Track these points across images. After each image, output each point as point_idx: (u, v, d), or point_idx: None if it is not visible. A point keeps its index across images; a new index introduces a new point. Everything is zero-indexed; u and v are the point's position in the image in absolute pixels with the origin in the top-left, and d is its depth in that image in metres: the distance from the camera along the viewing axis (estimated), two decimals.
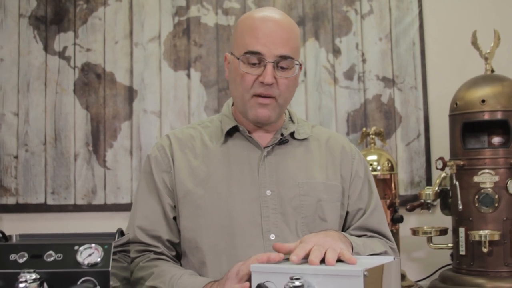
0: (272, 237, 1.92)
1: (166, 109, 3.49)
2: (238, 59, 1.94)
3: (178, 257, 2.03)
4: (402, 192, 3.37)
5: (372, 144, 3.25)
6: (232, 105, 2.11)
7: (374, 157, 3.18)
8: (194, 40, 3.51)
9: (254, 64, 1.92)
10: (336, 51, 3.48)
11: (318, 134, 2.13)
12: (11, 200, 3.52)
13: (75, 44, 3.55)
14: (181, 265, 2.00)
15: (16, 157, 3.52)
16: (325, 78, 3.46)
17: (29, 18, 3.57)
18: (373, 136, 3.27)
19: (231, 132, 2.05)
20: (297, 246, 1.55)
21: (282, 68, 1.93)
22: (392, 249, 2.05)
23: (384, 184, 3.17)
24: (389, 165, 3.17)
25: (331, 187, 2.02)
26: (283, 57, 1.91)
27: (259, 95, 1.93)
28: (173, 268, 1.92)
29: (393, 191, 3.17)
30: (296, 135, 2.06)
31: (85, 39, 3.55)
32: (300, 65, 1.99)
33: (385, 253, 1.96)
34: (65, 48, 3.55)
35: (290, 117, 2.12)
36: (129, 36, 3.54)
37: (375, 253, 1.89)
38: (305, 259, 1.52)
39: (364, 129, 3.33)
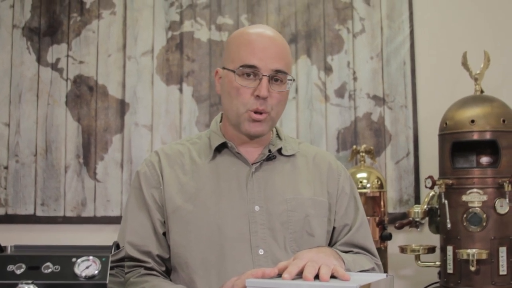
0: (261, 252, 1.93)
1: (158, 122, 3.50)
2: (233, 72, 1.96)
3: (168, 273, 2.03)
4: (391, 209, 3.39)
5: (362, 162, 3.27)
6: (221, 121, 2.13)
7: (364, 174, 3.20)
8: (187, 54, 3.53)
9: (249, 76, 1.95)
10: (328, 69, 3.50)
11: (305, 150, 2.15)
12: (0, 211, 3.51)
13: (68, 56, 3.56)
14: (171, 281, 2.01)
15: (6, 167, 3.52)
16: (316, 95, 3.49)
17: (23, 29, 3.58)
18: (363, 154, 3.29)
19: (220, 148, 2.06)
20: (290, 263, 1.55)
21: (276, 82, 1.96)
22: (378, 265, 2.07)
23: (373, 201, 3.19)
24: (379, 183, 3.19)
25: (318, 203, 2.04)
26: (278, 71, 1.94)
27: (253, 111, 1.95)
28: (164, 283, 1.93)
29: (382, 209, 3.19)
30: (283, 151, 2.08)
31: (78, 52, 3.56)
32: (294, 80, 2.02)
33: (372, 270, 1.98)
34: (58, 60, 3.56)
35: (278, 134, 2.15)
36: (122, 50, 3.55)
37: (364, 270, 1.91)
38: (299, 275, 1.53)
39: (354, 146, 3.35)
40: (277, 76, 1.95)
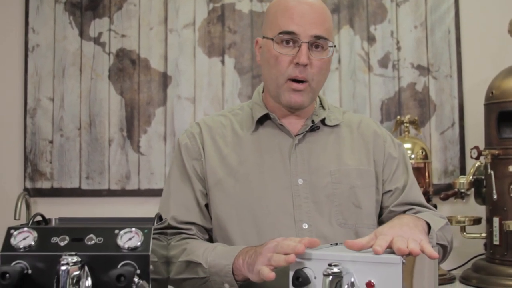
0: (305, 226, 1.92)
1: (200, 95, 3.50)
2: (272, 40, 1.93)
3: (211, 242, 2.04)
4: (435, 181, 3.36)
5: (406, 133, 3.24)
6: (263, 91, 2.11)
7: (408, 145, 3.16)
8: (228, 26, 3.51)
9: (288, 44, 1.92)
10: (371, 39, 3.46)
11: (349, 120, 2.12)
12: (46, 185, 3.55)
13: (110, 30, 3.57)
14: None
15: (51, 141, 3.56)
16: (360, 66, 3.45)
17: (65, 4, 3.60)
18: (407, 125, 3.26)
19: (262, 120, 2.04)
20: (372, 239, 1.50)
21: (316, 49, 1.92)
22: (443, 218, 2.03)
23: (418, 172, 3.15)
24: (423, 153, 3.16)
25: (365, 173, 2.02)
26: (318, 37, 1.91)
27: (293, 79, 1.92)
28: (204, 243, 1.93)
29: (427, 180, 3.15)
30: (327, 122, 2.06)
31: (120, 25, 3.57)
32: (334, 47, 1.98)
33: (446, 224, 1.97)
34: (100, 34, 3.57)
35: (321, 103, 2.12)
36: (163, 23, 3.55)
37: (441, 227, 1.90)
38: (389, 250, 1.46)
39: (398, 117, 3.31)
40: (318, 43, 1.92)
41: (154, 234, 1.48)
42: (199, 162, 2.02)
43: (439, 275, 2.98)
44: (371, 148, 2.07)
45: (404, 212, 2.02)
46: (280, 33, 1.93)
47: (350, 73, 3.45)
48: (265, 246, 1.66)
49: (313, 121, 2.03)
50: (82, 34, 3.58)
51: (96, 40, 3.57)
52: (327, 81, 3.36)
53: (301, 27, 1.90)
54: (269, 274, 1.57)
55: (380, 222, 2.07)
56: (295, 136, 2.01)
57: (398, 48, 3.44)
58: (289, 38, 1.91)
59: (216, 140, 2.04)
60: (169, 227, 1.96)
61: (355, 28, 3.47)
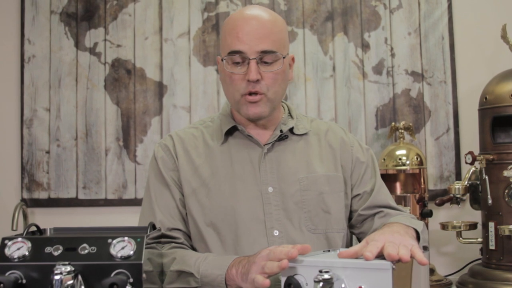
0: (276, 233, 1.96)
1: (196, 104, 3.51)
2: (223, 60, 1.98)
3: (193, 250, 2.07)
4: (431, 186, 3.37)
5: (401, 139, 3.25)
6: None
7: (403, 151, 3.17)
8: None
9: (239, 63, 1.96)
10: (365, 46, 3.48)
11: (317, 128, 2.16)
12: (43, 195, 3.56)
13: (105, 40, 3.59)
14: None
15: (48, 152, 3.57)
16: (354, 73, 3.47)
17: (60, 15, 3.61)
18: (402, 131, 3.27)
19: (231, 131, 2.10)
20: (363, 246, 1.53)
21: (266, 63, 1.96)
22: (416, 219, 2.05)
23: (413, 178, 3.17)
24: (418, 159, 3.17)
25: (333, 178, 2.05)
26: (265, 52, 1.94)
27: (247, 93, 1.96)
28: (194, 253, 1.97)
29: (422, 186, 3.17)
30: (295, 131, 2.10)
31: (115, 35, 3.58)
32: (287, 57, 2.01)
33: (423, 226, 1.96)
34: (95, 44, 3.59)
35: (290, 113, 2.15)
36: (158, 32, 3.57)
37: (416, 228, 1.89)
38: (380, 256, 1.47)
39: (393, 123, 3.33)
40: (266, 57, 1.95)
41: (150, 242, 1.49)
42: (175, 172, 2.08)
43: (436, 281, 3.01)
44: (338, 155, 2.11)
45: (374, 215, 2.05)
46: (229, 53, 1.98)
47: (344, 80, 3.46)
48: (258, 255, 1.68)
49: (281, 131, 2.06)
50: (77, 44, 3.59)
51: (92, 50, 3.58)
52: (321, 88, 3.42)
53: (247, 45, 1.95)
54: (264, 282, 1.59)
55: (350, 226, 2.12)
56: (264, 145, 2.05)
57: (392, 55, 3.46)
58: (238, 57, 1.96)
59: (189, 151, 2.09)
60: (162, 235, 1.98)
61: (349, 35, 3.48)
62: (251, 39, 1.94)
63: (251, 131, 2.07)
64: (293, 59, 2.10)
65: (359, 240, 2.11)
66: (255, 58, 1.93)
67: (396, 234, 1.65)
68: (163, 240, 1.99)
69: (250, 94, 1.97)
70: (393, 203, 2.13)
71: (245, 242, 1.93)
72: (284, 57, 2.00)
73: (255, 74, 1.93)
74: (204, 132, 2.14)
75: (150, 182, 2.13)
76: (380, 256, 1.46)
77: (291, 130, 2.10)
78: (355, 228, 2.14)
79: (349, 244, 2.20)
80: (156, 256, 1.61)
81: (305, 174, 2.03)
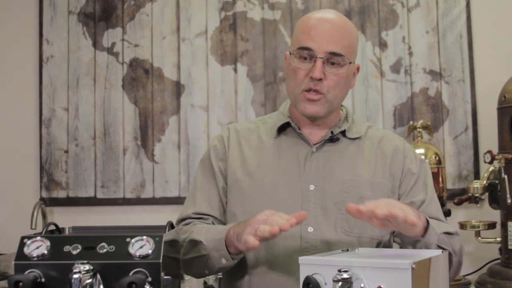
0: (310, 230, 1.98)
1: (213, 103, 3.52)
2: (291, 54, 2.02)
3: None
4: (449, 185, 3.35)
5: (419, 138, 3.24)
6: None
7: (421, 150, 3.16)
8: (240, 34, 3.53)
9: (306, 59, 1.98)
10: (383, 45, 3.47)
11: (372, 134, 2.17)
12: (61, 194, 3.58)
13: (123, 40, 3.60)
14: None
15: (66, 151, 3.59)
16: (372, 71, 3.46)
17: (78, 15, 3.63)
18: (420, 130, 3.25)
19: (285, 128, 2.14)
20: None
21: (332, 64, 1.98)
22: (458, 233, 2.05)
23: (432, 177, 3.15)
24: (437, 158, 3.15)
25: (377, 185, 2.05)
26: (333, 54, 1.98)
27: (308, 90, 1.98)
28: (209, 225, 2.03)
29: (441, 185, 3.15)
30: (348, 134, 2.11)
31: (133, 35, 3.60)
32: (353, 64, 2.04)
33: (456, 233, 2.00)
34: (113, 44, 3.60)
35: (346, 116, 2.16)
36: (176, 32, 3.57)
37: (448, 232, 1.95)
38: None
39: (411, 122, 3.31)
40: (333, 59, 1.99)
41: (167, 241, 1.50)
42: (224, 163, 2.14)
43: (455, 280, 2.99)
44: (388, 162, 2.10)
45: None
46: (298, 48, 2.02)
47: (362, 79, 3.45)
48: (255, 218, 1.77)
49: (332, 132, 2.08)
50: (95, 44, 3.61)
51: (110, 50, 3.59)
52: None
53: (317, 44, 1.98)
54: (254, 243, 1.70)
55: (396, 235, 2.08)
56: (314, 145, 2.06)
57: (410, 54, 3.45)
58: (306, 53, 2.00)
59: (241, 144, 2.15)
60: (190, 217, 2.07)
61: (366, 34, 3.47)
62: (322, 38, 1.98)
63: (305, 129, 2.10)
64: (358, 69, 2.12)
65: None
66: (322, 57, 1.97)
67: (400, 203, 1.75)
68: (190, 220, 2.04)
69: (310, 91, 1.99)
70: (442, 217, 2.11)
71: (279, 236, 1.94)
72: (350, 63, 2.01)
73: (319, 72, 1.96)
74: (260, 127, 2.18)
75: (198, 170, 2.21)
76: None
77: (344, 133, 2.11)
78: (399, 237, 2.12)
79: None
80: (173, 252, 1.62)
81: (350, 177, 2.04)
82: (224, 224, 2.09)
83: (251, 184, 2.05)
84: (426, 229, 1.81)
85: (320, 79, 1.97)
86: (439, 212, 2.11)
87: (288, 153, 2.08)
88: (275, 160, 2.08)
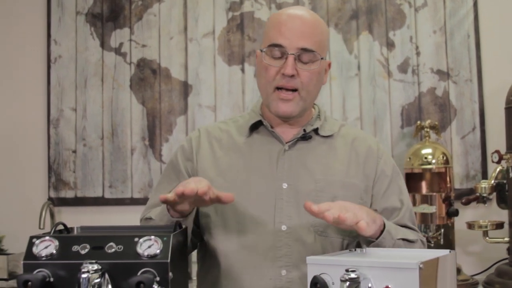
0: (284, 228, 1.98)
1: (221, 103, 3.53)
2: (262, 51, 2.01)
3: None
4: (457, 185, 3.35)
5: (427, 138, 3.23)
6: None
7: (429, 150, 3.16)
8: (248, 35, 3.53)
9: (277, 57, 1.97)
10: (390, 45, 3.47)
11: (346, 132, 2.16)
12: (69, 194, 3.59)
13: (130, 40, 3.61)
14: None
15: (74, 151, 3.60)
16: (379, 71, 3.46)
17: (86, 16, 3.64)
18: (428, 130, 3.25)
19: (257, 126, 2.13)
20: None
21: (303, 61, 1.97)
22: (422, 241, 2.07)
23: (439, 177, 3.15)
24: (444, 158, 3.15)
25: (350, 185, 2.05)
26: (304, 50, 1.97)
27: (281, 88, 1.99)
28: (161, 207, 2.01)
29: (448, 185, 3.15)
30: (320, 132, 2.10)
31: (141, 35, 3.60)
32: (324, 60, 2.03)
33: (416, 241, 2.00)
34: (121, 44, 3.61)
35: (319, 114, 2.15)
36: (183, 32, 3.58)
37: (407, 239, 1.94)
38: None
39: (418, 122, 3.31)
40: (304, 55, 1.98)
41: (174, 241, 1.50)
42: (191, 163, 2.12)
43: (462, 280, 2.99)
44: (362, 162, 2.09)
45: None
46: (269, 45, 2.00)
47: (369, 79, 3.45)
48: (184, 180, 1.85)
49: (304, 130, 2.07)
50: (103, 44, 3.62)
51: (117, 51, 3.60)
52: (346, 87, 3.42)
53: (288, 40, 1.97)
54: (168, 196, 1.74)
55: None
56: (286, 143, 2.06)
57: (418, 53, 3.45)
58: (278, 50, 1.98)
59: (212, 144, 2.14)
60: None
61: (374, 34, 3.47)
62: (292, 35, 1.97)
63: (277, 128, 2.09)
64: (329, 65, 2.11)
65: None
66: (293, 54, 1.96)
67: (357, 207, 1.78)
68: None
69: (280, 89, 1.98)
70: (411, 224, 2.10)
71: (250, 234, 1.96)
72: (322, 58, 2.01)
73: (291, 68, 1.95)
74: (232, 127, 2.17)
75: (164, 171, 2.22)
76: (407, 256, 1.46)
77: (316, 131, 2.10)
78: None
79: None
80: (181, 250, 1.64)
81: (323, 176, 2.03)
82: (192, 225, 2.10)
83: (224, 183, 2.02)
84: (381, 232, 1.82)
85: (292, 76, 1.96)
86: (410, 220, 2.09)
87: (260, 152, 2.07)
88: (248, 159, 2.07)
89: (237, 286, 1.96)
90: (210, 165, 2.08)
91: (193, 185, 1.72)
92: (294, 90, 1.98)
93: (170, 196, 1.72)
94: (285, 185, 2.01)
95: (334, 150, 2.09)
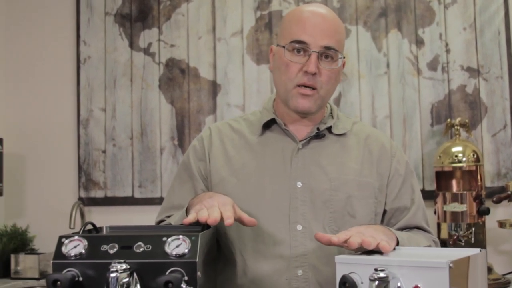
0: (299, 227, 1.96)
1: (250, 102, 3.53)
2: (283, 47, 1.99)
3: None
4: (488, 183, 3.32)
5: (457, 136, 3.21)
6: (275, 99, 2.15)
7: (459, 148, 3.13)
8: (276, 33, 3.53)
9: (299, 53, 1.96)
10: (419, 42, 3.44)
11: (358, 130, 2.14)
12: (99, 194, 3.62)
13: (159, 40, 3.62)
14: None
15: (104, 151, 3.62)
16: (408, 69, 3.43)
17: (115, 16, 3.66)
18: (458, 128, 3.22)
19: (270, 125, 2.10)
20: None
21: (326, 59, 1.96)
22: (435, 242, 2.06)
23: (470, 175, 3.12)
24: (475, 156, 3.12)
25: (364, 184, 2.03)
26: (328, 48, 1.96)
27: (302, 85, 1.97)
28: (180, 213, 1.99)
29: (479, 183, 3.12)
30: (333, 130, 2.08)
31: (169, 35, 3.62)
32: (343, 58, 2.02)
33: (429, 247, 1.96)
34: (149, 44, 3.63)
35: (331, 113, 2.14)
36: (212, 31, 3.59)
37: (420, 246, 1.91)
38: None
39: (448, 120, 3.28)
40: (327, 53, 1.97)
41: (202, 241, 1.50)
42: (203, 163, 2.10)
43: (494, 280, 2.96)
44: (375, 161, 2.07)
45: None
46: (292, 41, 1.98)
47: (399, 77, 3.43)
48: (209, 198, 1.77)
49: (318, 128, 2.05)
50: (132, 45, 3.63)
51: (146, 51, 3.62)
52: (375, 85, 3.40)
53: (312, 37, 1.95)
54: (188, 220, 1.65)
55: None
56: (300, 141, 2.04)
57: (447, 51, 3.42)
58: (300, 47, 1.97)
59: (224, 142, 2.11)
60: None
61: (403, 31, 3.45)
62: (317, 32, 1.95)
63: (290, 126, 2.07)
64: (344, 64, 2.10)
65: None
66: (317, 52, 1.94)
67: (371, 228, 1.72)
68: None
69: (303, 86, 1.97)
70: (426, 225, 2.09)
71: (266, 235, 1.94)
72: (343, 59, 2.00)
73: (314, 66, 1.93)
74: (243, 125, 2.14)
75: (177, 172, 2.20)
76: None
77: (329, 129, 2.09)
78: None
79: None
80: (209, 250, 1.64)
81: (337, 175, 2.01)
82: None
83: (237, 183, 2.02)
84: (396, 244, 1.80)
85: (314, 74, 1.94)
86: (424, 220, 2.09)
87: (273, 151, 2.05)
88: (260, 158, 2.05)
89: (253, 287, 1.95)
90: (222, 165, 2.06)
91: (211, 213, 1.67)
92: (314, 88, 1.97)
93: (192, 218, 1.67)
94: (299, 184, 1.99)
95: (347, 148, 2.07)
